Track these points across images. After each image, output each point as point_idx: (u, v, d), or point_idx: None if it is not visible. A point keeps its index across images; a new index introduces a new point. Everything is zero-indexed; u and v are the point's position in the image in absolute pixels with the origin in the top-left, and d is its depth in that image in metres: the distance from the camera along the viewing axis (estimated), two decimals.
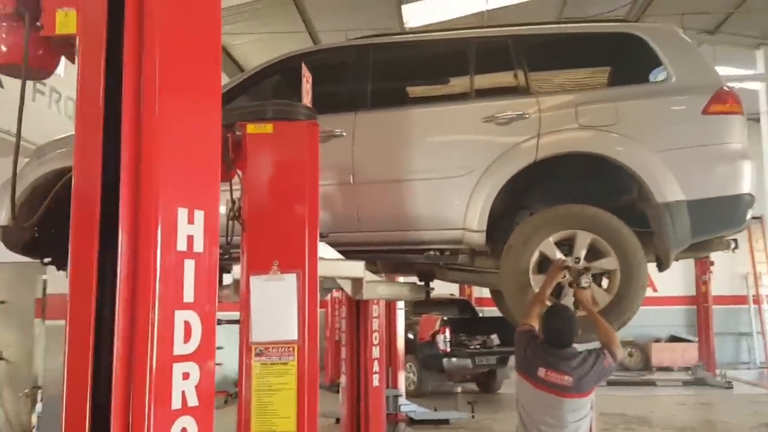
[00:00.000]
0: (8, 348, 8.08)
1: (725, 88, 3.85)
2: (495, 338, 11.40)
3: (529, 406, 3.84)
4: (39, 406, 7.33)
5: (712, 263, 13.81)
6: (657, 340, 15.84)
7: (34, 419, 7.49)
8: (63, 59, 1.98)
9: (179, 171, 1.70)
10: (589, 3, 10.84)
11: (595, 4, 10.78)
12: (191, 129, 1.72)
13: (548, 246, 3.75)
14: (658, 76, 3.94)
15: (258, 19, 9.83)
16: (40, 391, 7.57)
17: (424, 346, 11.44)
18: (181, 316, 1.68)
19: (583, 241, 3.71)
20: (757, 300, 16.10)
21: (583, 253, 3.72)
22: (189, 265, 1.69)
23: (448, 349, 11.07)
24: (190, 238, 1.70)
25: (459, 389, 12.74)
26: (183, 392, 1.68)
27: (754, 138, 13.03)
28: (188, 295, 1.69)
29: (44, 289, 7.96)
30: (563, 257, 3.74)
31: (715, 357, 14.00)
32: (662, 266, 3.84)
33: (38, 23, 1.75)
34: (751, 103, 13.16)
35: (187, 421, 1.68)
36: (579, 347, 3.84)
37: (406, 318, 10.33)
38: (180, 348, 1.67)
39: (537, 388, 3.78)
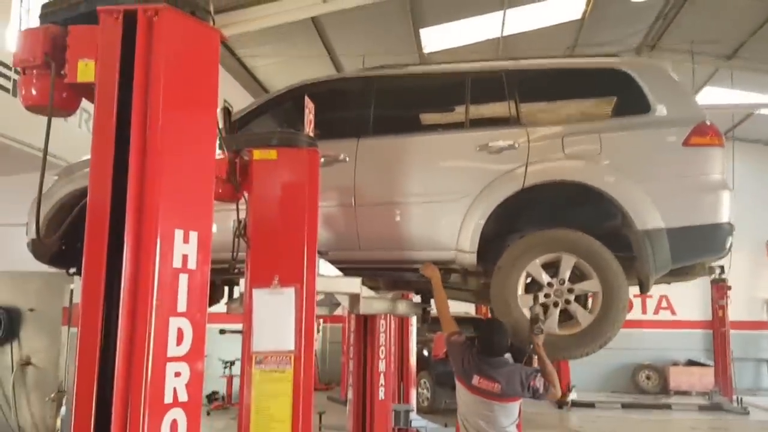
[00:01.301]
0: (37, 354, 8.43)
1: (706, 121, 4.06)
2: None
3: (467, 411, 4.19)
4: (63, 410, 7.66)
5: (729, 288, 13.78)
6: (675, 364, 15.74)
7: (58, 423, 7.81)
8: None
9: (177, 197, 1.98)
10: (603, 31, 11.02)
11: (609, 31, 10.97)
12: (188, 162, 2.01)
13: (535, 268, 3.98)
14: (642, 109, 4.15)
15: (281, 42, 10.20)
16: (65, 396, 7.89)
17: (438, 363, 11.57)
18: (174, 323, 1.95)
19: (568, 263, 3.93)
20: None
21: (567, 275, 3.94)
22: (183, 279, 1.97)
23: None
24: (185, 256, 1.99)
25: None
26: (174, 388, 1.95)
27: None
28: (182, 305, 1.97)
29: (71, 297, 8.31)
30: (548, 287, 3.97)
31: (731, 382, 13.89)
32: (643, 289, 4.02)
33: (63, 72, 2.06)
34: None
35: (178, 413, 1.95)
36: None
37: (421, 335, 10.49)
38: (173, 350, 1.95)
39: (472, 393, 4.13)
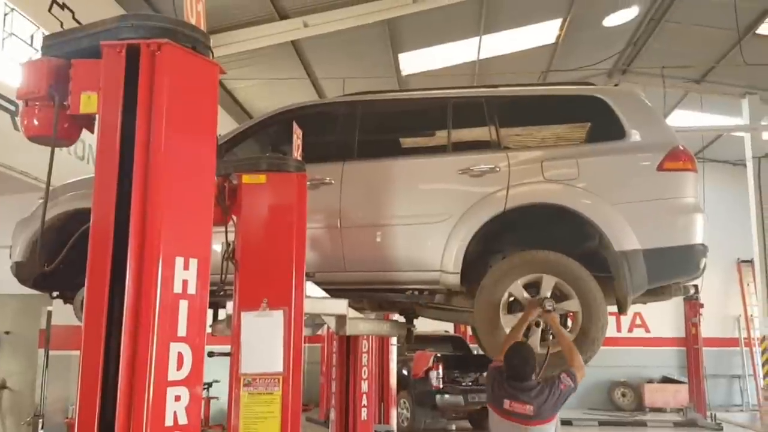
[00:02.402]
0: (12, 377, 8.30)
1: (680, 146, 4.22)
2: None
3: None
4: None
5: (701, 305, 14.05)
6: (650, 381, 15.94)
7: None
8: None
9: (178, 226, 2.04)
10: (576, 55, 11.30)
11: (582, 55, 11.24)
12: (189, 193, 2.08)
13: (517, 288, 4.09)
14: (617, 135, 4.30)
15: (262, 65, 10.26)
16: (41, 419, 7.77)
17: (418, 382, 11.58)
18: (175, 348, 1.99)
19: (548, 284, 4.04)
20: (748, 342, 16.24)
21: (548, 295, 4.04)
22: (183, 305, 2.02)
23: (441, 386, 11.24)
24: (185, 282, 2.04)
25: (453, 426, 12.85)
26: (175, 412, 1.98)
27: (741, 184, 13.40)
28: (182, 330, 2.01)
29: (48, 320, 8.20)
30: (530, 297, 4.07)
31: (705, 398, 14.10)
32: (621, 309, 4.14)
33: (65, 103, 2.12)
34: (739, 150, 13.56)
35: None
36: None
37: (401, 354, 10.52)
38: (173, 374, 1.99)
39: (504, 418, 4.14)
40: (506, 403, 4.13)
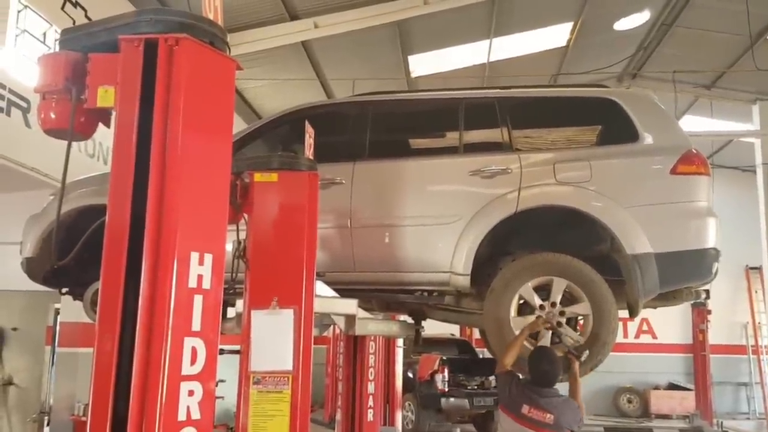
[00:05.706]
0: (18, 374, 8.33)
1: (693, 150, 4.20)
2: (493, 380, 11.51)
3: None
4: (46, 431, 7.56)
5: (709, 312, 13.97)
6: (656, 388, 15.86)
7: None
8: None
9: (193, 221, 2.04)
10: (587, 59, 11.27)
11: (592, 60, 11.21)
12: (204, 189, 2.07)
13: (527, 290, 4.06)
14: (630, 137, 4.28)
15: (271, 65, 10.28)
16: (47, 416, 7.78)
17: (423, 385, 11.56)
18: (189, 343, 1.99)
19: (559, 287, 4.01)
20: (756, 350, 16.14)
21: (558, 298, 4.02)
22: (198, 300, 2.02)
23: (446, 389, 11.21)
24: (200, 277, 2.03)
25: (458, 430, 12.80)
26: (188, 407, 1.99)
27: (751, 190, 13.32)
28: (196, 325, 2.01)
29: (56, 317, 8.22)
30: (540, 309, 4.05)
31: (711, 406, 14.02)
32: (632, 313, 4.11)
33: (83, 97, 2.13)
34: (749, 156, 13.50)
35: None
36: None
37: (407, 357, 10.51)
38: (187, 369, 1.99)
39: (520, 423, 4.09)
40: (525, 408, 4.07)
